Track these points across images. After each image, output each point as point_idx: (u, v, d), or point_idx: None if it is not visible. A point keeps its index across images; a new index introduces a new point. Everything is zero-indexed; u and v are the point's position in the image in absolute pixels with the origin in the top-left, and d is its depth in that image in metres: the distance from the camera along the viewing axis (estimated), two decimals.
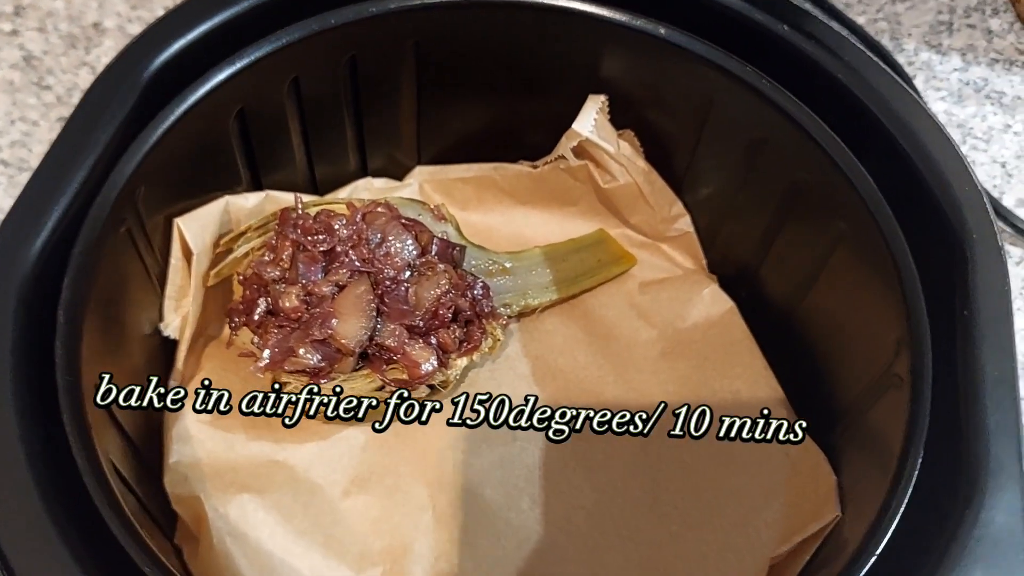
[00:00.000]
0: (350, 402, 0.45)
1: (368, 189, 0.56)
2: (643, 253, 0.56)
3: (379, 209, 0.48)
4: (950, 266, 0.41)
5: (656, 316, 0.54)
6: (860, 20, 0.73)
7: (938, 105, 0.69)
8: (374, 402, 0.46)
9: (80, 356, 0.36)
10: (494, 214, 0.57)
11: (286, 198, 0.51)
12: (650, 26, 0.48)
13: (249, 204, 0.50)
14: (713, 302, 0.54)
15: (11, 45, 0.67)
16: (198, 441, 0.46)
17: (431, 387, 0.48)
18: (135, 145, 0.41)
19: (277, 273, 0.45)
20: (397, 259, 0.47)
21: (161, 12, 0.69)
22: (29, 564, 0.30)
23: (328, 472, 0.47)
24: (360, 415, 0.46)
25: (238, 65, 0.44)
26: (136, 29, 0.68)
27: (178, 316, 0.47)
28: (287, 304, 0.44)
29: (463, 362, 0.49)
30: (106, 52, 0.67)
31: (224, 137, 0.46)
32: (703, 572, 0.46)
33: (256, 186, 0.51)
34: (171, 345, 0.48)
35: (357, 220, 0.47)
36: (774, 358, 0.52)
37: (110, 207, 0.39)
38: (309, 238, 0.46)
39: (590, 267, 0.54)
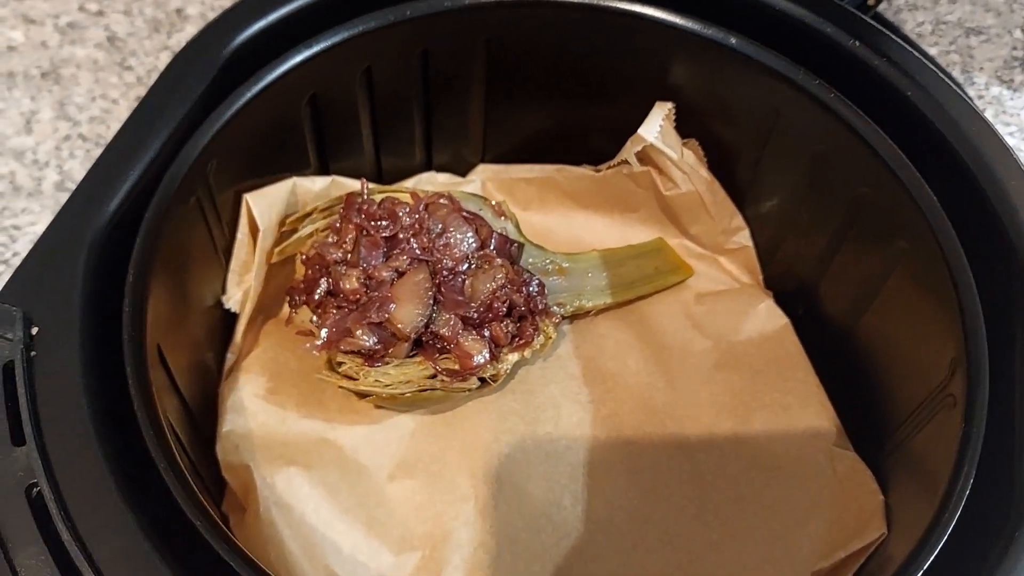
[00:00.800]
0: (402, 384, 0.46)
1: (431, 183, 0.56)
2: (700, 264, 0.56)
3: (442, 201, 0.48)
4: (1010, 289, 0.41)
5: (710, 328, 0.54)
6: (932, 51, 0.73)
7: (1007, 140, 0.68)
8: (425, 389, 0.46)
9: (146, 315, 0.37)
10: (554, 215, 0.58)
11: (352, 184, 0.52)
12: (720, 35, 0.48)
13: (316, 187, 0.51)
14: (768, 317, 0.54)
15: (97, 26, 0.70)
16: (251, 413, 0.46)
17: (481, 380, 0.48)
18: (209, 120, 0.42)
19: (339, 255, 0.46)
20: (456, 250, 0.48)
21: None
22: (89, 515, 0.31)
23: (375, 455, 0.47)
24: (407, 400, 0.47)
25: (313, 49, 0.45)
26: None
27: (240, 290, 0.48)
28: (347, 286, 0.45)
29: (514, 357, 0.49)
30: (188, 37, 0.69)
31: (296, 120, 0.47)
32: None
33: (324, 171, 0.52)
34: (230, 319, 0.49)
35: (420, 209, 0.47)
36: (826, 375, 0.52)
37: (181, 177, 0.40)
38: (372, 223, 0.46)
39: (647, 274, 0.55)
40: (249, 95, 0.43)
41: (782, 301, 0.55)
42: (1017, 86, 0.71)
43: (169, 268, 0.40)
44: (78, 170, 0.62)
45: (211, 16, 0.70)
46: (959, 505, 0.36)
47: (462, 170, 0.58)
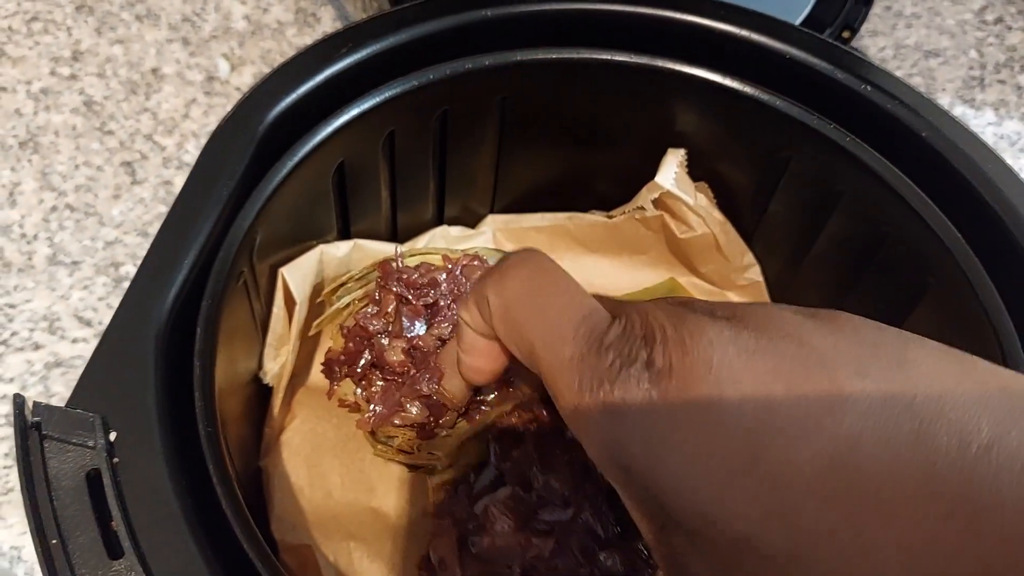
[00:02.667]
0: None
1: (444, 237, 0.56)
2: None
3: (475, 263, 0.48)
4: None
5: None
6: (897, 75, 0.76)
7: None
8: None
9: (215, 406, 0.36)
10: (565, 262, 0.56)
11: (374, 247, 0.52)
12: (735, 84, 0.50)
13: (340, 253, 0.50)
14: None
15: (71, 90, 0.68)
16: (298, 489, 0.46)
17: None
18: (253, 198, 0.41)
19: (381, 326, 0.46)
20: None
21: (219, 60, 0.70)
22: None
23: (423, 521, 0.47)
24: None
25: (344, 119, 0.45)
26: (195, 76, 0.69)
27: (276, 364, 0.47)
28: (393, 358, 0.45)
29: None
30: (166, 98, 0.68)
31: (325, 189, 0.47)
32: None
33: (345, 234, 0.52)
34: (263, 393, 0.48)
35: (457, 273, 0.47)
36: None
37: (232, 257, 0.39)
38: (413, 291, 0.46)
39: None
40: (287, 168, 0.42)
41: None
42: (978, 104, 0.75)
43: (223, 349, 0.39)
44: (69, 241, 0.60)
45: (188, 75, 0.69)
46: None
47: (472, 221, 0.58)
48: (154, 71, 0.69)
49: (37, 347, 0.56)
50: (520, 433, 0.41)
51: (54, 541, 0.31)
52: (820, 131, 0.48)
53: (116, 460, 0.33)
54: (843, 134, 0.48)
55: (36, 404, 0.33)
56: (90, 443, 0.33)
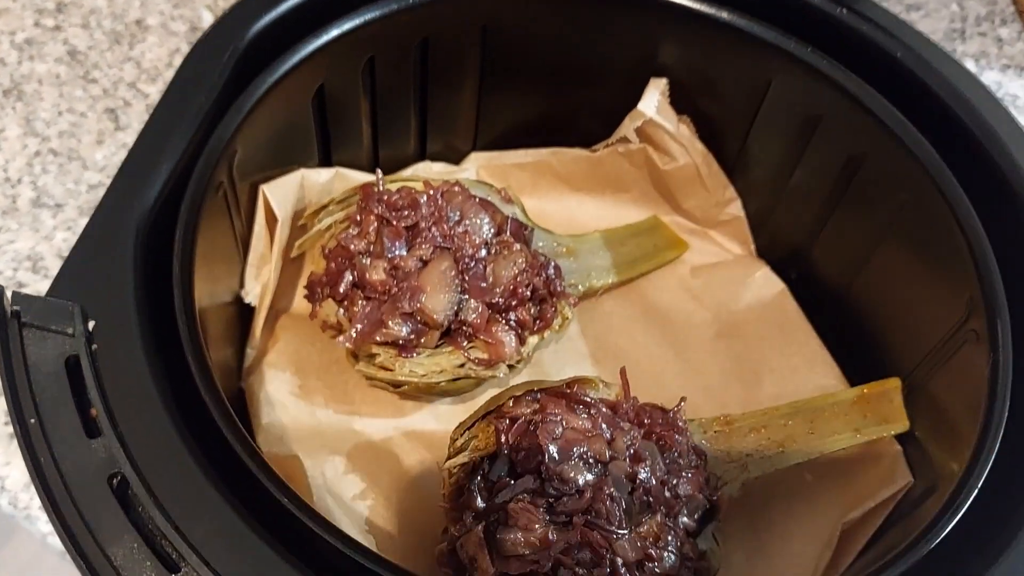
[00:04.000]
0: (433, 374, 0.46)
1: (427, 172, 0.57)
2: (693, 239, 0.58)
3: (456, 188, 0.49)
4: (1016, 227, 0.43)
5: (709, 299, 0.56)
6: None
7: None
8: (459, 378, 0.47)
9: (194, 305, 0.36)
10: (548, 199, 0.58)
11: (356, 176, 0.52)
12: (713, 10, 0.50)
13: (322, 179, 0.50)
14: (765, 284, 0.56)
15: (55, 41, 0.68)
16: (282, 407, 0.46)
17: (508, 366, 0.49)
18: (233, 110, 0.41)
19: (363, 246, 0.46)
20: (475, 237, 0.48)
21: (203, 10, 0.70)
22: (178, 498, 0.31)
23: (404, 442, 0.47)
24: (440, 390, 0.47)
25: (324, 39, 0.45)
26: (180, 27, 0.69)
27: (258, 284, 0.47)
28: (375, 277, 0.45)
29: (535, 340, 0.50)
30: (150, 48, 0.68)
31: (304, 112, 0.47)
32: (770, 537, 0.47)
33: (326, 162, 0.52)
34: (243, 315, 0.49)
35: (438, 197, 0.48)
36: (828, 334, 0.54)
37: (212, 167, 0.40)
38: (394, 213, 0.46)
39: (647, 251, 0.56)
40: (268, 84, 0.43)
41: (774, 267, 0.57)
42: (959, 56, 0.75)
43: (203, 260, 0.39)
44: (53, 185, 0.60)
45: (172, 26, 0.69)
46: (999, 432, 0.38)
47: (454, 158, 0.58)
48: (138, 22, 0.69)
49: (21, 286, 0.56)
50: (528, 422, 0.42)
51: (32, 420, 0.31)
52: (798, 55, 0.49)
53: (95, 347, 0.33)
54: (820, 57, 0.49)
55: (15, 293, 0.33)
56: (69, 331, 0.33)
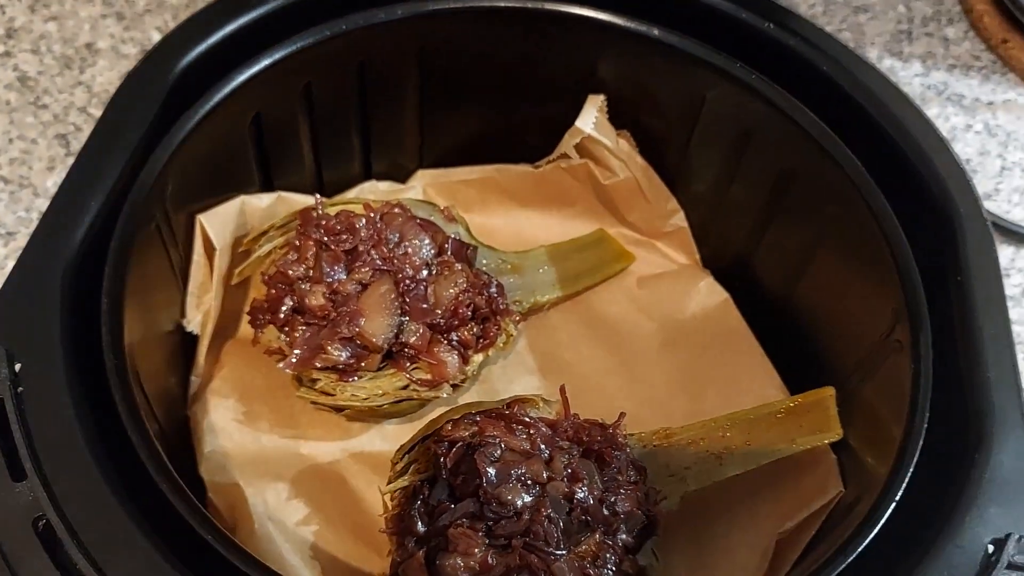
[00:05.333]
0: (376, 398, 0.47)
1: (373, 192, 0.57)
2: (640, 250, 0.58)
3: (396, 210, 0.49)
4: (940, 238, 0.44)
5: (655, 309, 0.56)
6: (827, 30, 0.77)
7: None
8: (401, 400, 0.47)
9: (123, 342, 0.37)
10: (496, 216, 0.59)
11: (298, 199, 0.52)
12: (644, 28, 0.51)
13: (263, 204, 0.51)
14: (709, 294, 0.57)
15: (5, 67, 0.68)
16: (227, 434, 0.46)
17: (452, 385, 0.49)
18: (164, 143, 0.42)
19: (301, 271, 0.47)
20: (415, 258, 0.48)
21: (153, 33, 0.71)
22: (102, 541, 0.31)
23: (351, 464, 0.48)
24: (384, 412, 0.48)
25: (257, 68, 0.46)
26: (130, 50, 0.70)
27: (199, 312, 0.48)
28: (314, 302, 0.46)
29: (479, 358, 0.50)
30: (100, 72, 0.68)
31: (242, 139, 0.48)
32: (712, 550, 0.48)
33: (268, 187, 0.52)
34: (188, 344, 0.49)
35: (376, 220, 0.48)
36: (769, 343, 0.55)
37: (142, 201, 0.40)
38: (332, 237, 0.47)
39: (592, 265, 0.57)
40: (199, 116, 0.43)
41: (719, 277, 0.58)
42: (906, 57, 0.76)
43: (136, 294, 0.40)
44: (3, 213, 0.61)
45: (123, 49, 0.69)
46: (920, 433, 0.39)
47: (401, 177, 0.59)
48: (88, 46, 0.70)
49: None
50: (466, 445, 0.42)
51: None
52: (727, 70, 0.50)
53: (20, 390, 0.34)
54: (749, 72, 0.49)
55: None
56: None
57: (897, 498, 0.37)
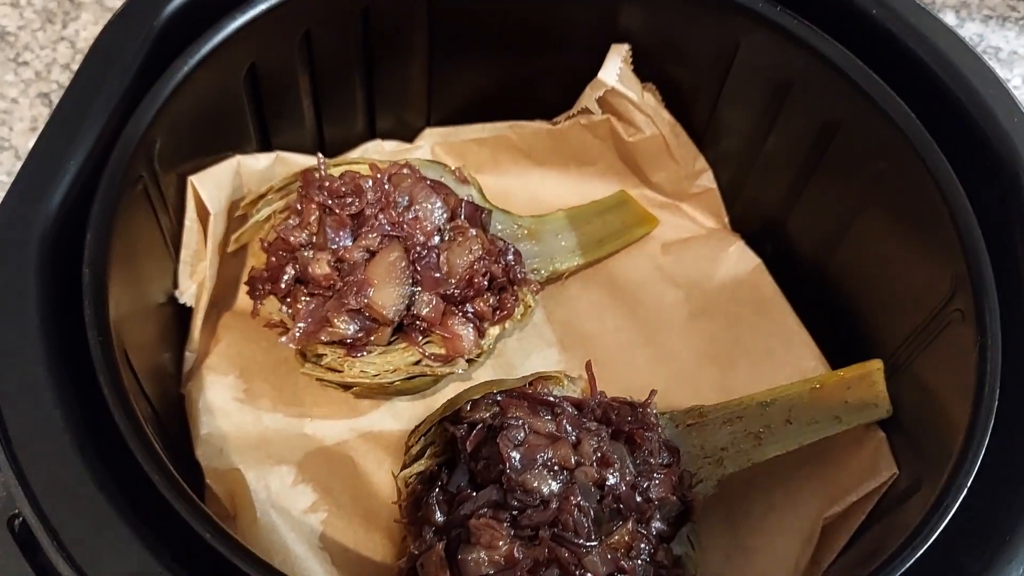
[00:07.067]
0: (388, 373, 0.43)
1: (378, 151, 0.53)
2: (664, 213, 0.55)
3: (404, 171, 0.45)
4: (1003, 197, 0.40)
5: (682, 277, 0.53)
6: None
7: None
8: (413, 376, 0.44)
9: (108, 316, 0.33)
10: (509, 176, 0.55)
11: (298, 159, 0.48)
12: None
13: (260, 165, 0.47)
14: (739, 260, 0.53)
15: None
16: (225, 414, 0.43)
17: (467, 360, 0.46)
18: (150, 96, 0.38)
19: (304, 238, 0.43)
20: (427, 223, 0.44)
21: None
22: (85, 541, 0.28)
23: (360, 445, 0.44)
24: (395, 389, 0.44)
25: (251, 14, 0.42)
26: (114, 2, 0.65)
27: (194, 282, 0.44)
28: (318, 271, 0.42)
29: (495, 331, 0.46)
30: (84, 26, 0.64)
31: (236, 92, 0.44)
32: (750, 534, 0.44)
33: (266, 146, 0.48)
34: (182, 317, 0.45)
35: (384, 182, 0.44)
36: (805, 311, 0.51)
37: (127, 160, 0.36)
38: (336, 200, 0.43)
39: (614, 230, 0.53)
40: (189, 66, 0.39)
41: (749, 241, 0.54)
42: (939, 8, 0.72)
43: (122, 262, 0.36)
44: None
45: (108, 2, 0.65)
46: (991, 414, 0.35)
47: (408, 135, 0.55)
48: None
49: None
50: (487, 427, 0.39)
51: None
52: (766, 15, 0.45)
53: None
54: (791, 17, 0.45)
55: None
56: None
57: (964, 492, 0.33)
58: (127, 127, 0.37)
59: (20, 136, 0.59)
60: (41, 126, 0.59)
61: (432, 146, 0.54)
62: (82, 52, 0.63)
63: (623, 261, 0.53)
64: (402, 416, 0.46)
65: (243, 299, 0.47)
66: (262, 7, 0.42)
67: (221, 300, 0.47)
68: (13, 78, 0.61)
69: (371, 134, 0.54)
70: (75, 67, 0.62)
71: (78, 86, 0.37)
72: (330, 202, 0.43)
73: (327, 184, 0.43)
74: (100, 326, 0.32)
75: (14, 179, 0.34)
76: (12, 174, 0.57)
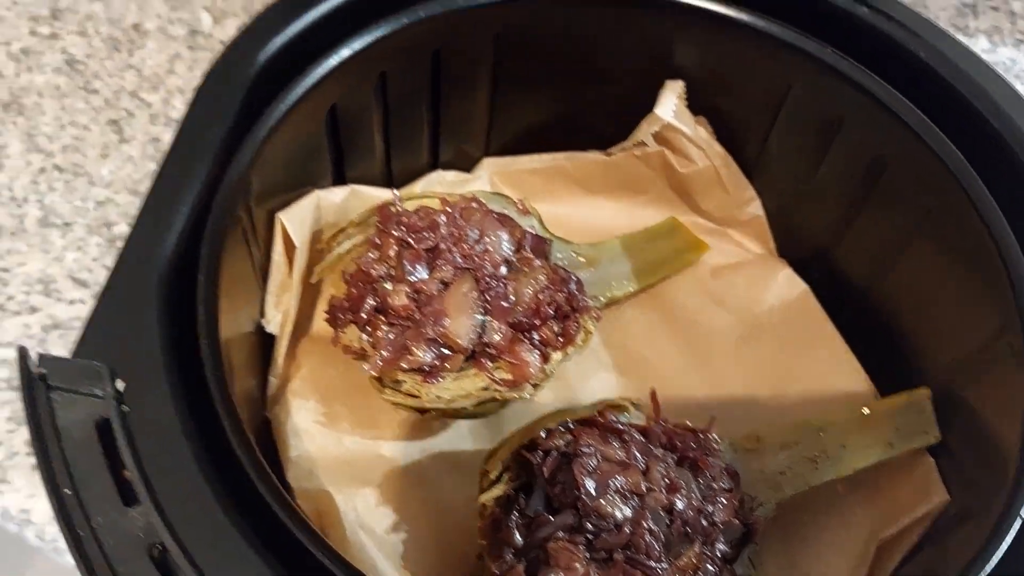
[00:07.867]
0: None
1: (441, 182, 0.56)
2: (712, 239, 0.57)
3: (473, 205, 0.48)
4: None
5: (732, 301, 0.55)
6: None
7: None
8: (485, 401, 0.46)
9: (221, 352, 0.36)
10: (563, 204, 0.57)
11: (371, 193, 0.51)
12: (731, 11, 0.49)
13: (337, 199, 0.49)
14: (788, 285, 0.55)
15: (53, 50, 0.66)
16: (310, 437, 0.45)
17: (532, 385, 0.48)
18: (248, 141, 0.40)
19: (383, 270, 0.45)
20: (495, 255, 0.47)
21: (201, 13, 0.69)
22: (222, 569, 0.30)
23: (434, 465, 0.47)
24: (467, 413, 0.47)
25: (334, 60, 0.44)
26: (177, 31, 0.68)
27: (279, 312, 0.47)
28: (397, 302, 0.44)
29: (559, 357, 0.49)
30: (150, 55, 0.67)
31: (318, 132, 0.46)
32: (804, 555, 0.46)
33: (340, 180, 0.51)
34: (266, 343, 0.48)
35: (456, 216, 0.47)
36: (852, 337, 0.53)
37: (230, 202, 0.39)
38: (413, 235, 0.45)
39: (666, 255, 0.55)
40: (282, 111, 0.42)
41: (795, 267, 0.56)
42: (972, 32, 0.74)
43: (224, 295, 0.39)
44: (59, 203, 0.59)
45: (171, 30, 0.68)
46: None
47: (466, 165, 0.57)
48: (136, 27, 0.68)
49: (33, 310, 0.55)
50: (562, 454, 0.41)
51: (67, 491, 0.31)
52: (818, 56, 0.48)
53: (125, 408, 0.32)
54: (841, 58, 0.47)
55: (42, 355, 0.33)
56: (98, 392, 0.32)
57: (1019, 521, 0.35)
58: (228, 172, 0.39)
59: (93, 163, 0.61)
60: (111, 153, 0.62)
61: (490, 175, 0.57)
62: (148, 80, 0.65)
63: (675, 285, 0.56)
64: (469, 436, 0.49)
65: (319, 325, 0.49)
66: (346, 53, 0.44)
67: (301, 327, 0.49)
68: (84, 105, 0.64)
69: (434, 165, 0.56)
70: (142, 95, 0.64)
71: (185, 133, 0.39)
72: (408, 236, 0.46)
73: (405, 219, 0.46)
74: (215, 362, 0.35)
75: (132, 227, 0.36)
76: (86, 199, 0.60)
